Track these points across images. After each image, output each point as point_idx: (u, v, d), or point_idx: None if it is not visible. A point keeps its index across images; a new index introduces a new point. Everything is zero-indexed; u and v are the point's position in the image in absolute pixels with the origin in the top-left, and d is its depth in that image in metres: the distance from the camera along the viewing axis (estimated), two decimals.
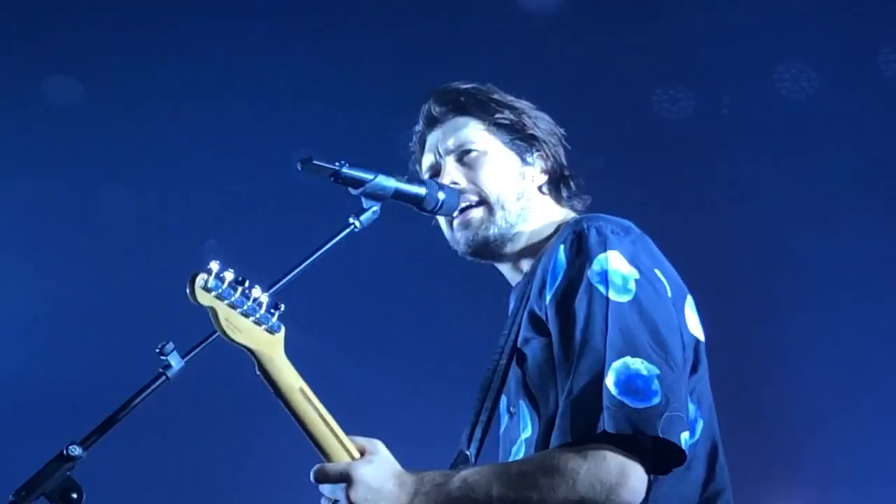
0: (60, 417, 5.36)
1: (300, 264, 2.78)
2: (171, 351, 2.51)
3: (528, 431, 2.82)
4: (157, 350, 2.52)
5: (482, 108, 3.10)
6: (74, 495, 2.35)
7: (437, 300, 6.05)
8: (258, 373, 2.59)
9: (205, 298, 2.49)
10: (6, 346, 6.04)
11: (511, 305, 3.03)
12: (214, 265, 2.51)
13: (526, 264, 3.03)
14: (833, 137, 5.89)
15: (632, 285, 2.66)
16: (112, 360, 5.59)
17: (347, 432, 2.65)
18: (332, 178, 2.90)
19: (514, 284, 3.08)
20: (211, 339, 2.58)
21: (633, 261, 2.69)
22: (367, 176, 2.92)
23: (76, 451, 2.37)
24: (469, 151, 3.06)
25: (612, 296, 2.63)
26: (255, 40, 6.03)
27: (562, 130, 3.18)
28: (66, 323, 6.05)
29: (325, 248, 2.83)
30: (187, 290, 2.48)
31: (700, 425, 2.74)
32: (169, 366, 2.51)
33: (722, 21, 5.90)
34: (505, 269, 3.11)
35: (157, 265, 5.83)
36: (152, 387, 2.50)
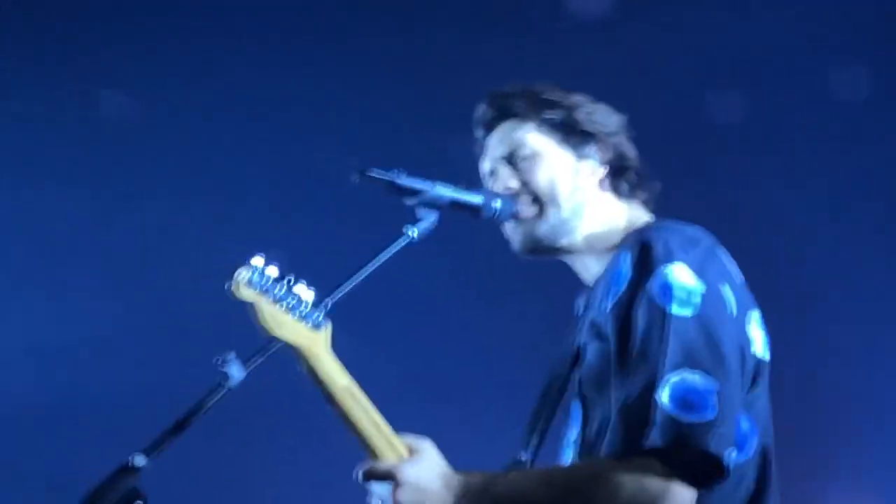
0: (122, 427, 5.39)
1: (355, 275, 2.76)
2: (233, 360, 2.51)
3: (575, 434, 2.84)
4: (218, 359, 2.51)
5: (532, 109, 3.10)
6: None
7: (496, 304, 6.02)
8: (304, 370, 2.59)
9: (247, 294, 2.49)
10: (68, 356, 6.09)
11: (580, 309, 3.02)
12: (258, 261, 2.51)
13: (594, 264, 3.02)
14: (889, 140, 5.82)
15: (696, 299, 2.64)
16: (173, 370, 5.61)
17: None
18: (388, 189, 2.90)
19: (584, 283, 3.06)
20: (274, 348, 2.58)
21: (699, 274, 2.67)
22: (425, 186, 2.92)
23: (141, 461, 2.37)
24: (520, 154, 3.07)
25: (674, 309, 2.62)
26: (307, 49, 6.05)
27: (624, 117, 3.15)
28: (125, 332, 6.09)
29: (382, 259, 2.81)
30: (229, 286, 2.48)
31: (755, 441, 2.73)
32: (231, 375, 2.51)
33: (774, 23, 5.85)
34: (575, 266, 3.09)
35: (213, 276, 5.85)
36: (216, 396, 2.50)
